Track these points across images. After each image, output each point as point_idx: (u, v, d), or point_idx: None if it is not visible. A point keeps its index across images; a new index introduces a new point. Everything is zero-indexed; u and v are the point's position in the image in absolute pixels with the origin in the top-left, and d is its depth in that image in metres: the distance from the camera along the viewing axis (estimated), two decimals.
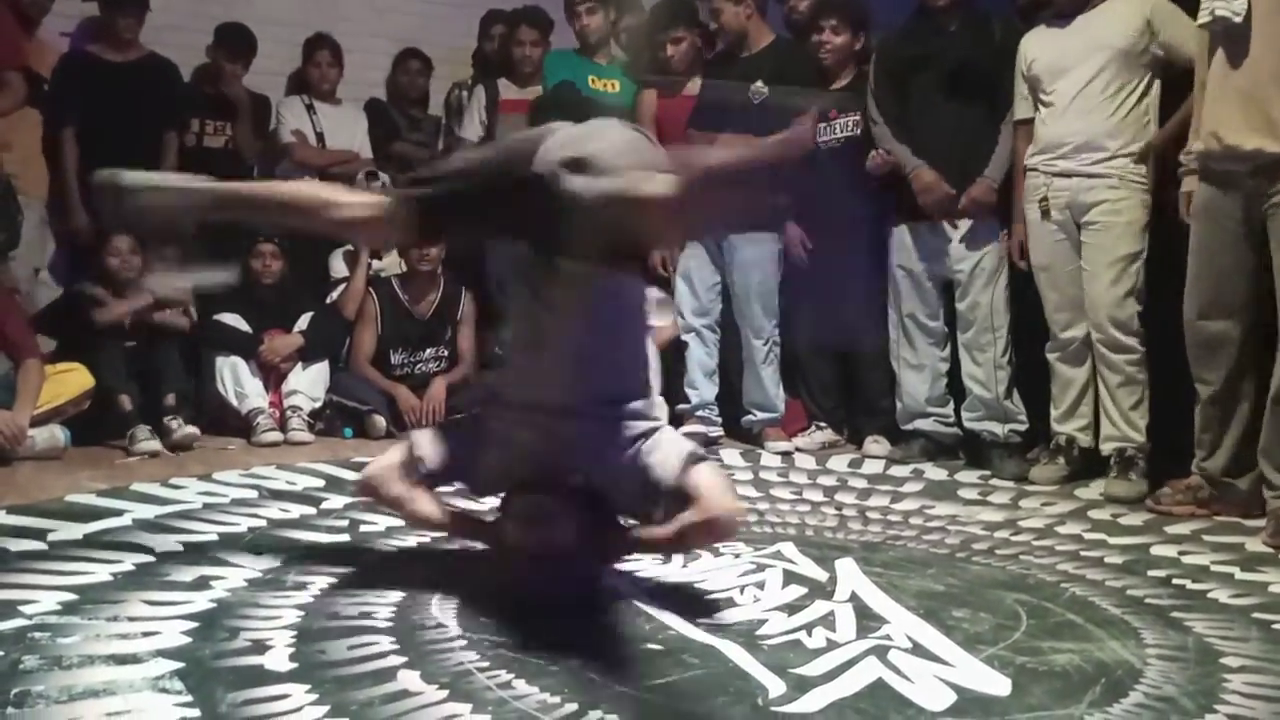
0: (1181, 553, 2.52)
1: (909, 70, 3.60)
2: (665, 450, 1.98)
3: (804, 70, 3.86)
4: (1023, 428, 3.54)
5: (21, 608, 1.84)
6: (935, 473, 3.47)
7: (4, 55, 3.64)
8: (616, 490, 2.01)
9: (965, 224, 3.53)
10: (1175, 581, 2.28)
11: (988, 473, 3.44)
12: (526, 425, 1.99)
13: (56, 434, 3.38)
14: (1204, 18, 2.76)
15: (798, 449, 3.84)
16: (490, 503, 2.27)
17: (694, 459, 1.95)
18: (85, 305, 3.70)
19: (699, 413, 3.94)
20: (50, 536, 2.33)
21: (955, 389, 3.69)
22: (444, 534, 2.20)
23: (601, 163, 1.75)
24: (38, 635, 1.72)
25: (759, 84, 3.83)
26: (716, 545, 2.24)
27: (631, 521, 2.06)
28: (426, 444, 2.06)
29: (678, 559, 2.28)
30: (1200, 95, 2.87)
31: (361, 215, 2.03)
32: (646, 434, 2.00)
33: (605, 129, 1.96)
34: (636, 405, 2.03)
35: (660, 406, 2.12)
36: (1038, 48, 3.31)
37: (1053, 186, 3.26)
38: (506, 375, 2.16)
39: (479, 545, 2.16)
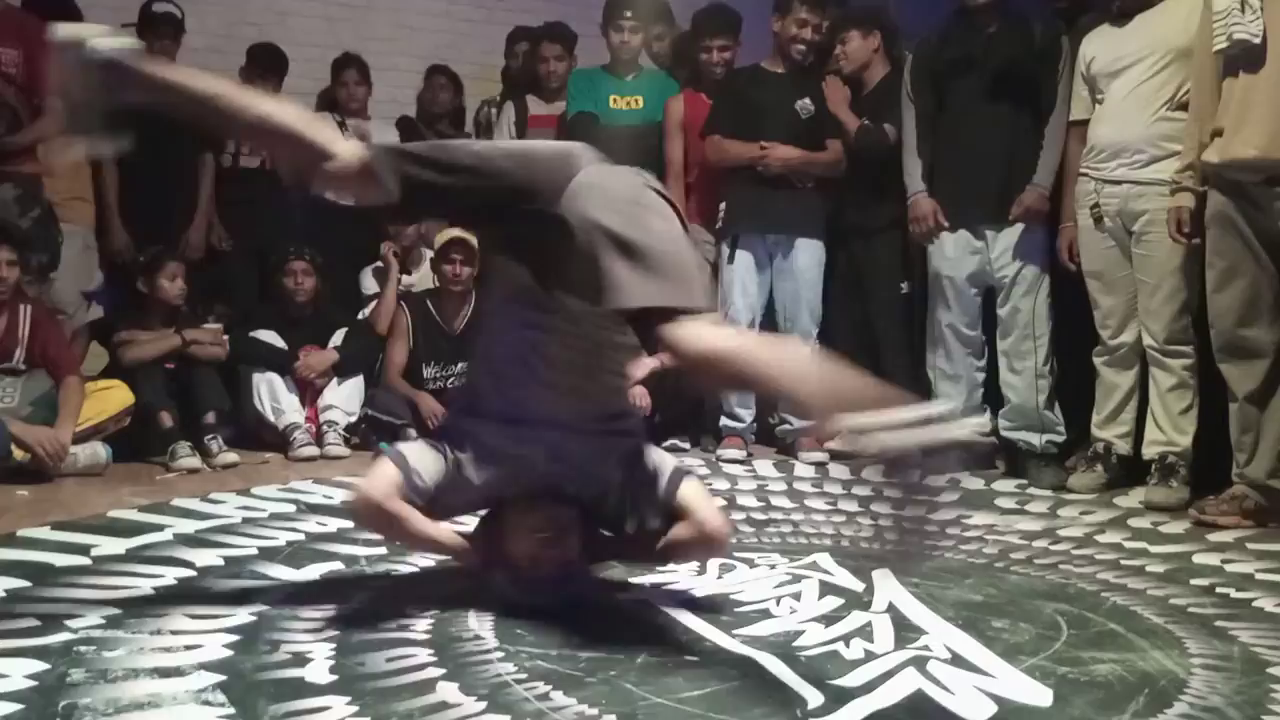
0: (1225, 561, 2.49)
1: (947, 73, 3.58)
2: (652, 466, 2.00)
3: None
4: (1060, 438, 3.50)
5: (67, 622, 1.87)
6: (971, 482, 3.44)
7: (46, 83, 3.72)
8: (602, 503, 2.01)
9: (1008, 229, 3.51)
10: (1219, 590, 2.25)
11: (1025, 481, 3.41)
12: (521, 441, 1.97)
13: (98, 451, 3.43)
14: (1220, 44, 2.78)
15: (830, 451, 3.83)
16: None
17: (681, 474, 1.98)
18: (115, 346, 3.75)
19: (748, 435, 3.95)
20: (94, 551, 2.37)
21: (990, 396, 3.66)
22: (444, 556, 2.12)
23: (653, 260, 1.70)
24: (83, 649, 1.75)
25: (806, 100, 3.84)
26: (713, 559, 2.23)
27: (607, 534, 2.06)
28: (417, 458, 1.96)
29: (713, 570, 2.28)
30: (1197, 115, 2.91)
31: (346, 172, 1.82)
32: (632, 450, 2.02)
33: (642, 197, 1.84)
34: (623, 422, 2.05)
35: (641, 424, 2.14)
36: (1097, 47, 3.28)
37: (1103, 193, 3.23)
38: (496, 391, 2.04)
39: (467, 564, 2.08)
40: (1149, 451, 3.19)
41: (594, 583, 2.09)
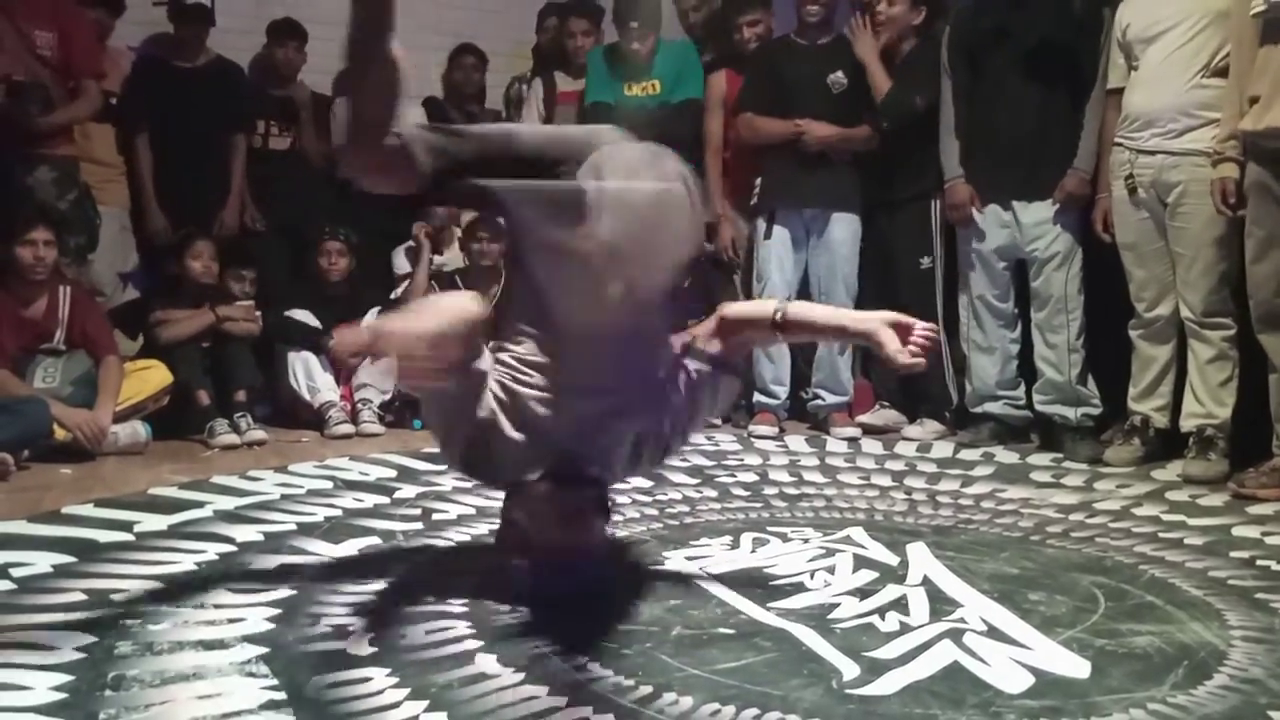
0: (1265, 533, 2.46)
1: (982, 45, 3.53)
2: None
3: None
4: (1096, 412, 3.47)
5: (113, 596, 1.91)
6: (1006, 456, 3.42)
7: (82, 64, 3.74)
8: (668, 430, 1.96)
9: (1037, 203, 3.46)
10: (1259, 563, 2.22)
11: (1060, 455, 3.38)
12: (547, 407, 1.89)
13: (138, 429, 3.48)
14: (1258, 6, 2.73)
15: (863, 425, 3.82)
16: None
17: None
18: (151, 326, 3.80)
19: (781, 411, 3.95)
20: (136, 528, 2.41)
21: (1025, 370, 3.64)
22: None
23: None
24: (129, 622, 1.78)
25: (839, 74, 3.80)
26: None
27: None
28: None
29: (746, 544, 2.29)
30: (1237, 81, 2.84)
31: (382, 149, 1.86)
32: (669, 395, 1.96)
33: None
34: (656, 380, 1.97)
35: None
36: (1133, 12, 3.22)
37: (1137, 164, 3.18)
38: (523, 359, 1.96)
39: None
40: (1187, 424, 3.15)
41: (614, 569, 2.06)
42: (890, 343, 1.89)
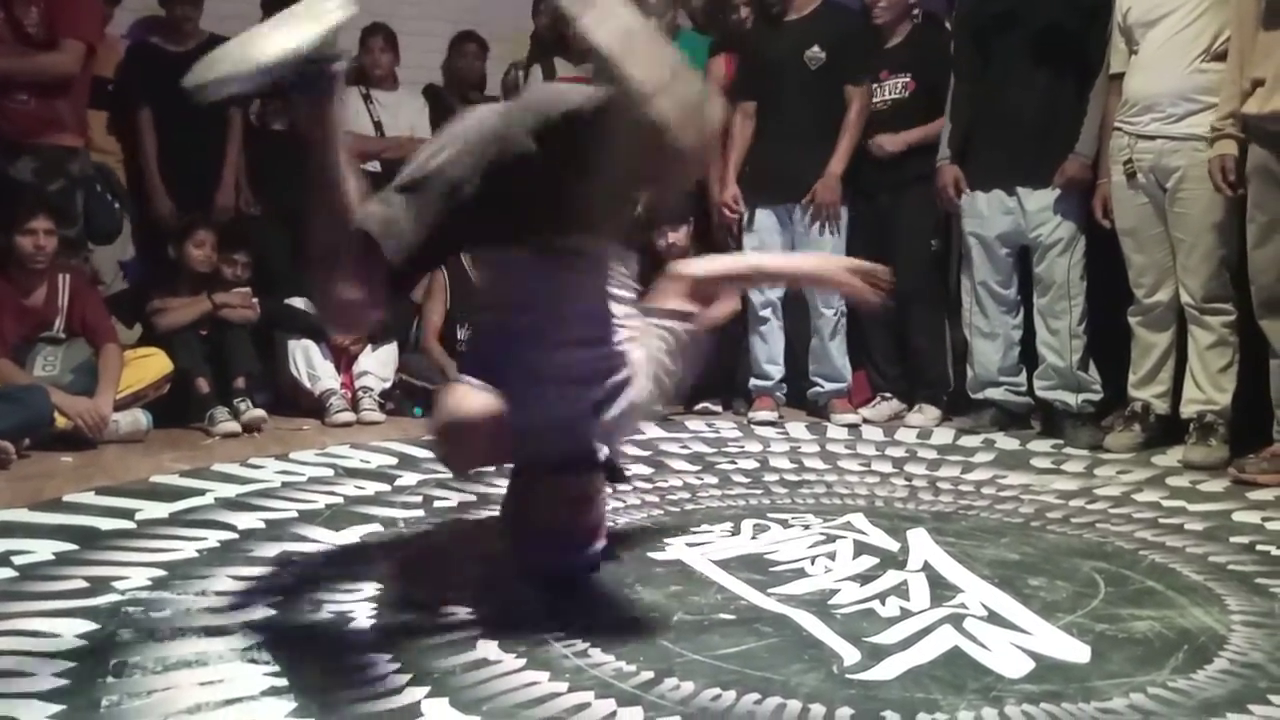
0: (1265, 519, 2.46)
1: (988, 30, 3.51)
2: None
3: (858, 32, 3.81)
4: (1096, 398, 3.47)
5: (115, 584, 1.91)
6: (1007, 442, 3.42)
7: (62, 27, 3.56)
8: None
9: (1042, 189, 3.45)
10: (1259, 548, 2.22)
11: (1060, 441, 3.38)
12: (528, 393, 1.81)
13: (139, 417, 3.48)
14: None
15: (865, 420, 3.81)
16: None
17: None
18: (149, 315, 3.80)
19: (777, 393, 3.94)
20: (138, 516, 2.41)
21: (1025, 356, 3.64)
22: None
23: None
24: (131, 609, 1.79)
25: (815, 48, 3.78)
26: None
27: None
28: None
29: (747, 530, 2.29)
30: (1237, 61, 2.83)
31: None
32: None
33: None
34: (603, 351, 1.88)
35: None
36: None
37: (1136, 149, 3.17)
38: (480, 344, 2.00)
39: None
40: (1187, 410, 3.15)
41: (613, 551, 2.05)
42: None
